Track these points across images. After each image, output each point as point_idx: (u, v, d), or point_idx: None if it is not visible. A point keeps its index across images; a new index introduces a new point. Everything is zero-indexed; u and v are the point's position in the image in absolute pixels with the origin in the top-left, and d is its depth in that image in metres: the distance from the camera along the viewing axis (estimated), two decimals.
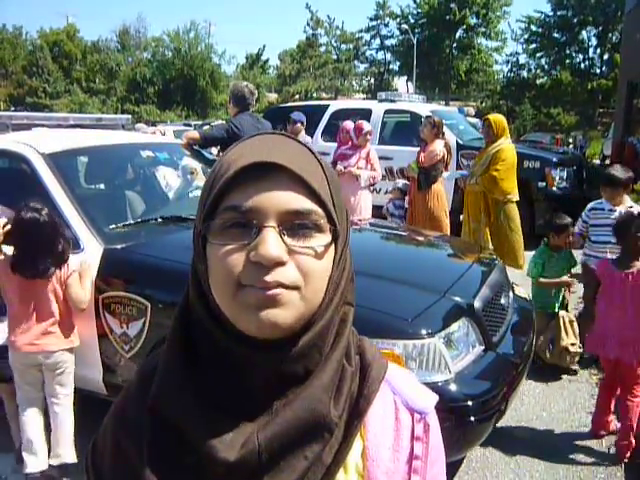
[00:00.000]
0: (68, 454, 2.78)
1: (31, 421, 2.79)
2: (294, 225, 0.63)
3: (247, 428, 0.63)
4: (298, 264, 0.62)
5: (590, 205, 4.16)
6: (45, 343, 2.73)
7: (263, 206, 0.62)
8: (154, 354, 0.75)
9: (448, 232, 6.01)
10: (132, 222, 3.25)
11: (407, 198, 6.56)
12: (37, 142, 3.34)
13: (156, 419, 0.67)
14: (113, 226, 3.09)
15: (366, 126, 6.27)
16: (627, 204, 3.95)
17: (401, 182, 6.81)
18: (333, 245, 0.66)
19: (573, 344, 3.98)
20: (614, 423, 3.30)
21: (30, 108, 29.81)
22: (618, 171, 3.95)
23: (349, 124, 6.69)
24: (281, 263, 0.61)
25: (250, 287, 0.61)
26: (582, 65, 34.47)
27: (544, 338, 4.07)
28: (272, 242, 0.61)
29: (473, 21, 38.34)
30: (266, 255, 0.60)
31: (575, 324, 4.07)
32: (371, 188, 6.38)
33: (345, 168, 5.99)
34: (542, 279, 4.12)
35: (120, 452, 0.69)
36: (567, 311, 4.20)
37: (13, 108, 29.95)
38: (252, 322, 0.62)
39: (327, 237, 0.65)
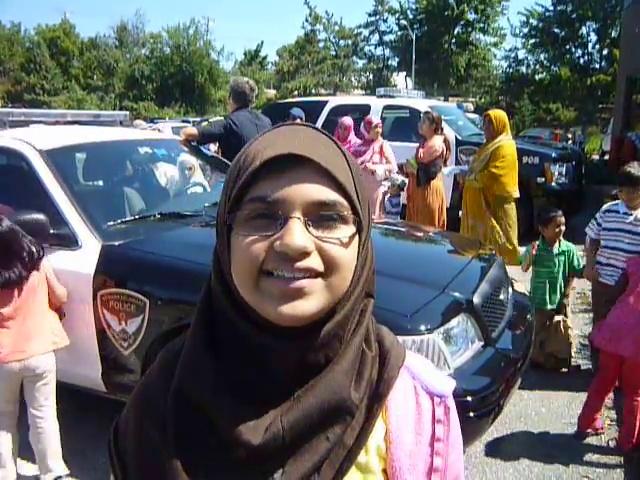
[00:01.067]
0: (59, 466, 2.72)
1: (5, 440, 2.67)
2: (319, 216, 0.63)
3: (270, 413, 0.64)
4: (323, 254, 0.63)
5: (605, 207, 3.79)
6: (32, 348, 2.62)
7: (289, 197, 0.62)
8: (174, 341, 0.77)
9: (446, 228, 6.01)
10: (130, 219, 3.24)
11: (405, 194, 6.56)
12: (34, 139, 3.32)
13: (180, 403, 0.68)
14: (111, 223, 3.08)
15: (375, 119, 6.41)
16: None
17: (399, 178, 6.78)
18: (357, 236, 0.67)
19: (560, 351, 3.98)
20: (600, 421, 3.29)
21: (28, 105, 29.75)
22: (637, 169, 3.51)
23: (347, 120, 6.72)
24: (306, 253, 0.62)
25: (273, 276, 0.62)
26: (581, 60, 34.36)
27: (536, 338, 4.04)
28: (298, 232, 0.61)
29: (472, 17, 38.25)
30: (291, 245, 0.61)
31: (570, 330, 4.04)
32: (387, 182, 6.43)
33: (361, 164, 6.06)
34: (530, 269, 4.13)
35: (143, 435, 0.71)
36: (565, 310, 4.15)
37: (11, 105, 29.87)
38: (275, 312, 0.63)
39: (351, 228, 0.65)
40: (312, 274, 0.62)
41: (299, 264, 0.62)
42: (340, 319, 0.67)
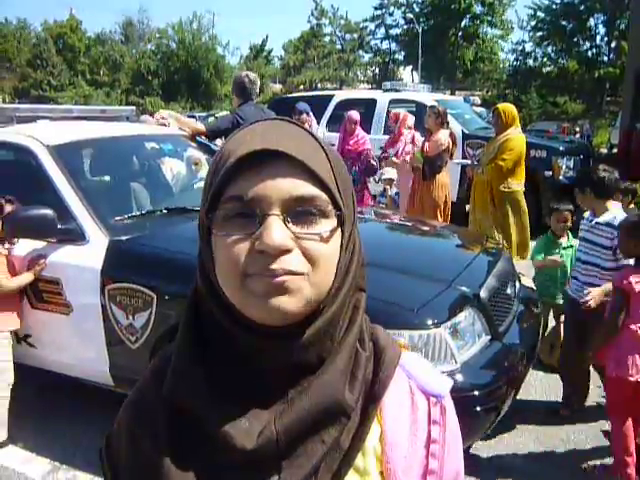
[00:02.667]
0: None
1: None
2: (298, 212, 0.62)
3: (263, 416, 0.63)
4: (304, 250, 0.62)
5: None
6: None
7: (265, 194, 0.61)
8: (166, 347, 0.75)
9: (451, 222, 6.00)
10: (137, 214, 3.25)
11: (410, 188, 6.56)
12: (42, 134, 3.34)
13: (172, 409, 0.67)
14: (118, 218, 3.09)
15: (401, 112, 6.80)
16: (613, 212, 3.14)
17: (384, 173, 6.68)
18: (339, 230, 0.65)
19: None
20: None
21: (35, 101, 29.87)
22: (605, 172, 3.13)
23: (355, 114, 6.74)
24: (287, 251, 0.60)
25: (257, 276, 0.61)
26: (589, 53, 34.16)
27: (545, 341, 3.99)
28: (276, 230, 0.60)
29: (479, 9, 38.06)
30: (271, 243, 0.59)
31: None
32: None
33: (396, 155, 6.45)
34: (537, 261, 3.94)
35: (135, 442, 0.69)
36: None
37: (18, 101, 30.00)
38: (260, 310, 0.61)
39: (332, 222, 0.63)
40: (295, 272, 0.61)
41: (279, 262, 0.60)
42: (329, 316, 0.65)
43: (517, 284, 3.34)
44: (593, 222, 3.20)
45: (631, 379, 2.68)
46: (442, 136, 5.93)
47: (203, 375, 0.66)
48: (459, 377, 2.36)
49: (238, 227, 0.62)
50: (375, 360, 0.71)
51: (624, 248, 2.87)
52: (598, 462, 2.97)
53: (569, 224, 3.96)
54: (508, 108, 5.40)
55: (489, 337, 2.66)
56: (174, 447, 0.65)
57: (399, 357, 0.73)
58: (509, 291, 3.10)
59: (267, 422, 0.62)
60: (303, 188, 0.62)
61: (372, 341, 0.73)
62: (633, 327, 2.69)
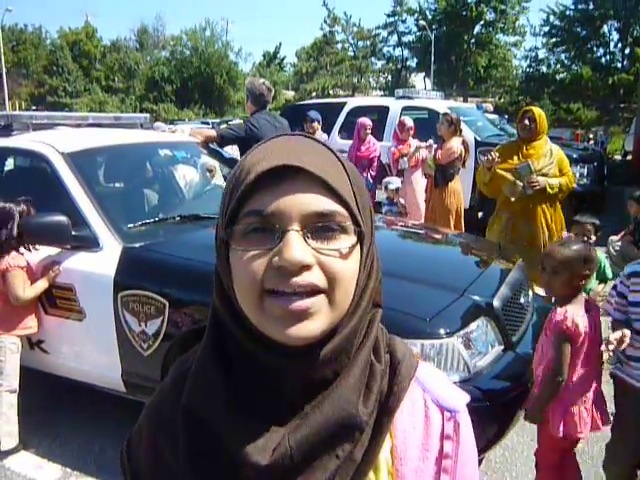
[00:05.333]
0: None
1: None
2: (318, 227, 0.61)
3: (278, 431, 0.63)
4: (324, 267, 0.61)
5: (629, 267, 2.51)
6: None
7: (285, 209, 0.61)
8: (187, 355, 0.75)
9: (463, 230, 5.96)
10: (151, 221, 3.26)
11: (423, 195, 6.55)
12: (57, 141, 3.38)
13: (190, 420, 0.67)
14: (132, 225, 3.11)
15: (408, 122, 6.89)
16: None
17: (392, 183, 6.62)
18: (358, 246, 0.64)
19: None
20: None
21: (50, 107, 30.26)
22: None
23: (368, 121, 6.78)
24: (306, 267, 0.60)
25: (275, 296, 0.60)
26: (603, 59, 33.91)
27: None
28: (296, 246, 0.59)
29: (491, 16, 37.99)
30: (290, 259, 0.59)
31: None
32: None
33: (418, 150, 6.53)
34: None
35: (156, 451, 0.70)
36: None
37: (34, 107, 30.36)
38: (280, 333, 0.61)
39: (352, 238, 0.63)
40: (314, 291, 0.60)
41: (300, 279, 0.60)
42: (347, 333, 0.65)
43: (530, 293, 3.31)
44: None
45: (580, 435, 2.40)
46: (454, 144, 5.92)
47: (222, 389, 0.66)
48: (471, 387, 2.34)
49: (257, 242, 0.61)
50: (391, 372, 0.70)
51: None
52: None
53: (592, 239, 3.65)
54: (543, 114, 4.66)
55: (502, 347, 2.64)
56: (192, 458, 0.66)
57: (415, 369, 0.73)
58: (522, 300, 3.07)
59: (282, 438, 0.62)
60: (323, 204, 0.62)
61: (389, 352, 0.72)
62: (575, 376, 2.37)
